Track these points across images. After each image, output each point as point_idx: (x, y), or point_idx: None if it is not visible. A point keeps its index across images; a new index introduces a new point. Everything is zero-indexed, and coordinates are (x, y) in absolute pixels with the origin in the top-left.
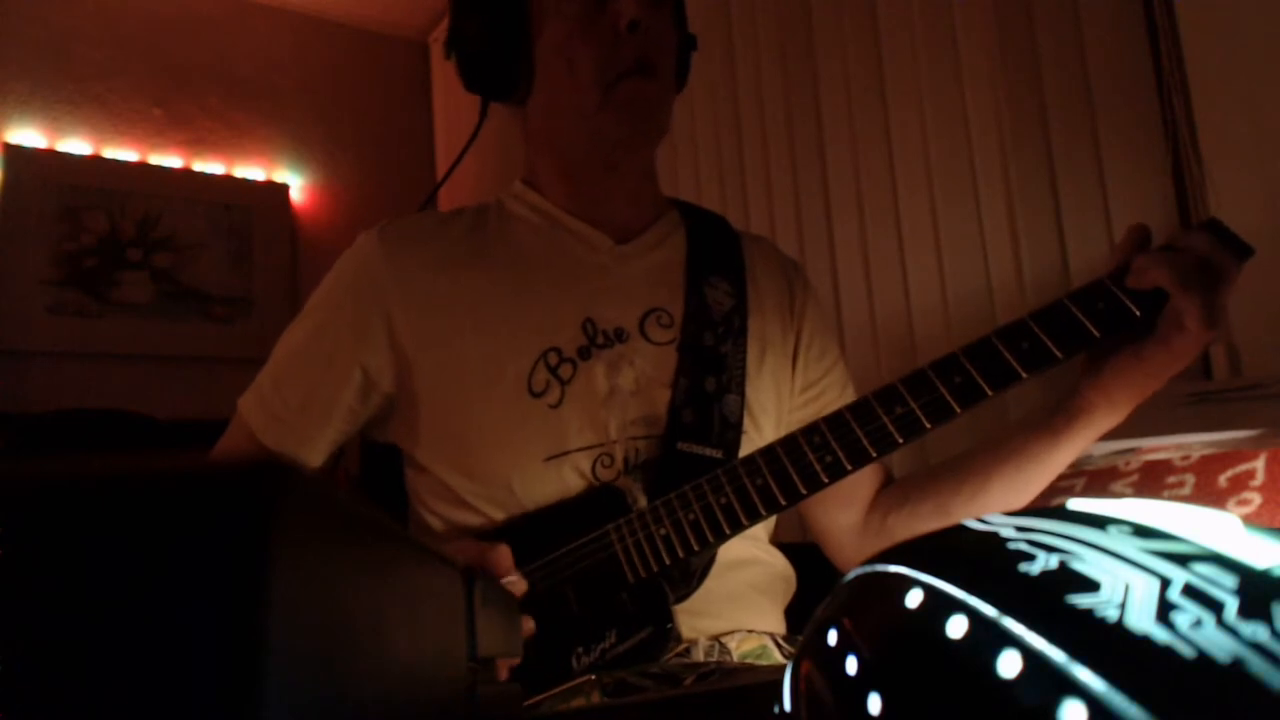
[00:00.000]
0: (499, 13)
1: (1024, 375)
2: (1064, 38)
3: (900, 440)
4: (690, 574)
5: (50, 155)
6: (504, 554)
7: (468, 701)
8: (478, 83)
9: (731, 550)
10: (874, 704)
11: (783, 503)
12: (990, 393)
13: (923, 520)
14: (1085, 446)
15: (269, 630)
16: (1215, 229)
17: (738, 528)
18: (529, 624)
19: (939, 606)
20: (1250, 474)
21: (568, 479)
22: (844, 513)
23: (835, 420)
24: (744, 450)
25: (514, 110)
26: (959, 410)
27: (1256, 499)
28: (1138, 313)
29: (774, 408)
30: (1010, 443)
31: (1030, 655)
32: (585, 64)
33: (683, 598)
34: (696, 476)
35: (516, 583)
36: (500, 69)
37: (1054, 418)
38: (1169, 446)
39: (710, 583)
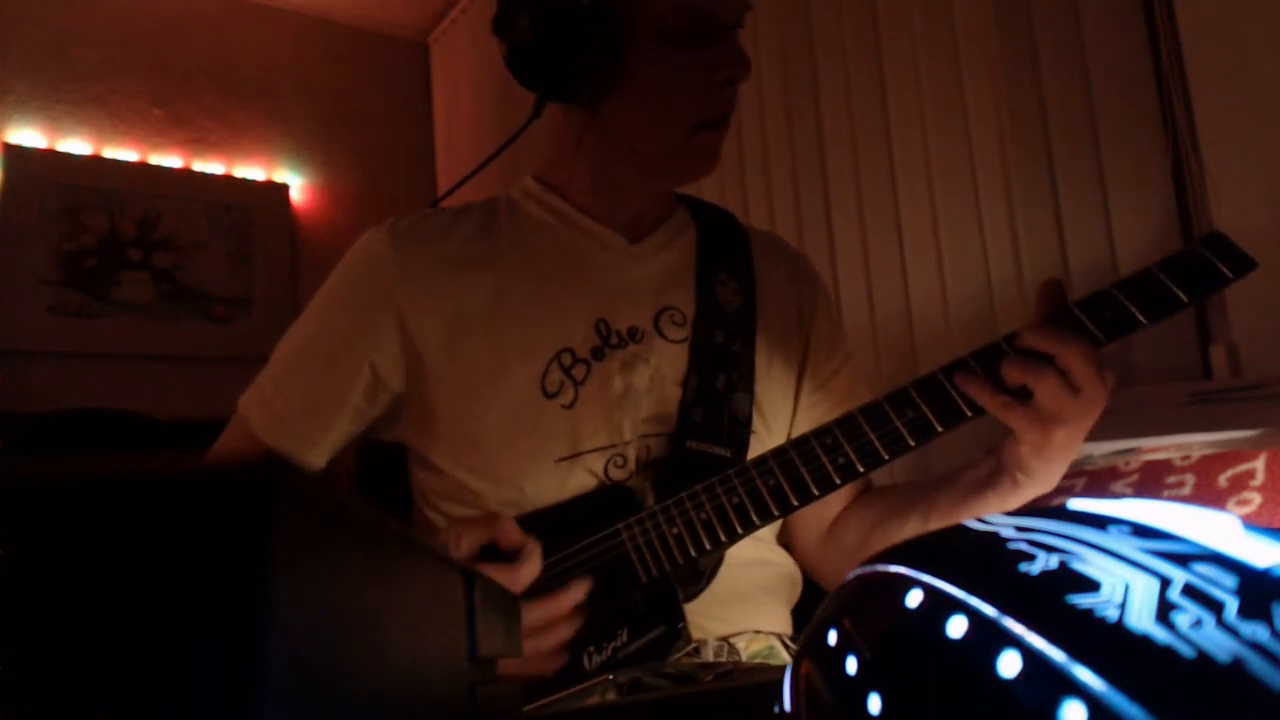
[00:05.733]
0: (588, 23)
1: None
2: (1064, 38)
3: (912, 444)
4: (700, 573)
5: (50, 155)
6: (508, 524)
7: (468, 701)
8: (542, 84)
9: (740, 550)
10: (874, 704)
11: (795, 503)
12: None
13: (870, 548)
14: (1019, 504)
15: (268, 630)
16: (1218, 243)
17: (750, 527)
18: (580, 587)
19: (939, 606)
20: (1250, 474)
21: (580, 480)
22: (818, 514)
23: (847, 422)
24: (753, 449)
25: (556, 106)
26: (970, 415)
27: (1256, 499)
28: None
29: (784, 407)
30: (952, 492)
31: (1030, 655)
32: (678, 111)
33: (692, 596)
34: (705, 475)
35: (532, 550)
36: (577, 79)
37: (989, 483)
38: (1169, 446)
39: (718, 582)
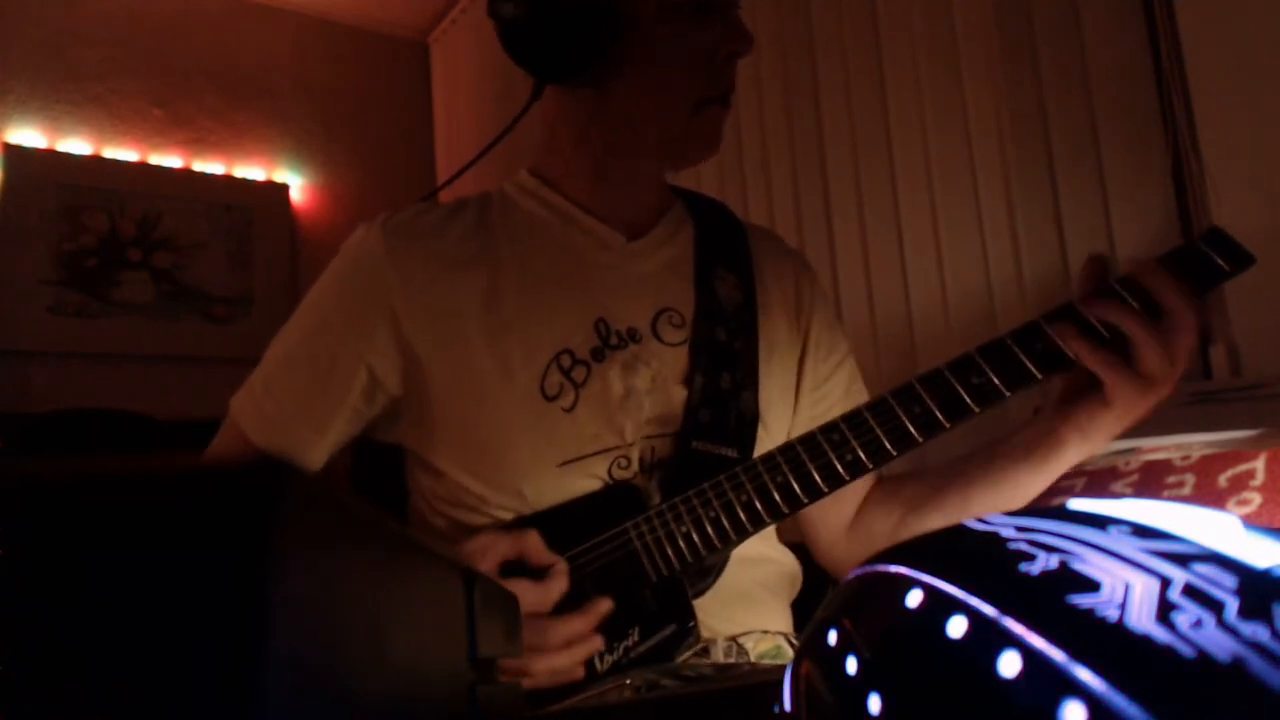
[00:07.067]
0: (589, 3)
1: (1039, 377)
2: (1064, 38)
3: (920, 439)
4: (707, 570)
5: (50, 155)
6: (536, 540)
7: (468, 701)
8: (540, 64)
9: (743, 548)
10: (874, 704)
11: (805, 500)
12: (1007, 393)
13: (908, 533)
14: (1060, 473)
15: (268, 630)
16: (1217, 238)
17: (759, 525)
18: (605, 604)
19: (939, 606)
20: (1250, 474)
21: (583, 484)
22: (835, 511)
23: (854, 419)
24: (757, 450)
25: (554, 92)
26: (977, 410)
27: (1256, 499)
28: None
29: (781, 406)
30: (990, 466)
31: (1030, 655)
32: (681, 87)
33: (700, 593)
34: (711, 475)
35: (561, 569)
36: (576, 58)
37: (1034, 448)
38: (1169, 446)
39: (723, 582)
